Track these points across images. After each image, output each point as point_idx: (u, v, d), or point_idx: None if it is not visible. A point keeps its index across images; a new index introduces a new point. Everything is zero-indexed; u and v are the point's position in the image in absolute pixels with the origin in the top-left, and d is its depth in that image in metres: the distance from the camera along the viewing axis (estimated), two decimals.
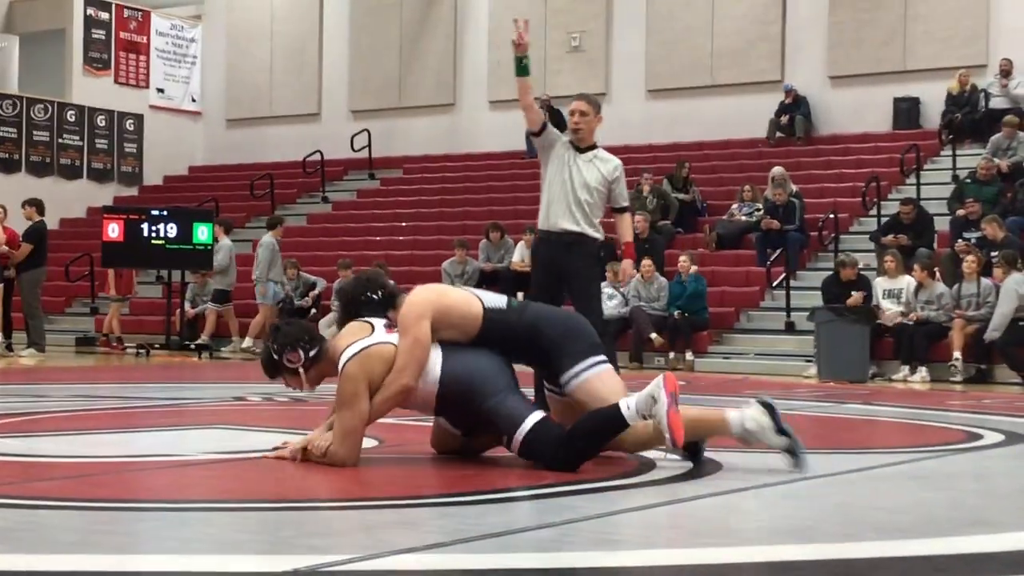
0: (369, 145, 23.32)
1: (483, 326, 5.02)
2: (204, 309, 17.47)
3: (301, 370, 4.98)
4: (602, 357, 5.12)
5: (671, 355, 14.71)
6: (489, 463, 5.13)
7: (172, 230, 16.34)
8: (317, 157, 22.81)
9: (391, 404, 4.94)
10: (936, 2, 19.37)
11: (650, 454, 5.21)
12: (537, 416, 4.88)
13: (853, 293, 13.73)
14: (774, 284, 15.74)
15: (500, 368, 4.99)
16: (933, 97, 19.08)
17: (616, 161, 7.45)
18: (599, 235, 7.35)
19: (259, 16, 25.38)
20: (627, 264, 7.82)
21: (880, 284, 13.97)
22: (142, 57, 25.08)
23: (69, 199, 23.13)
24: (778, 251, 15.87)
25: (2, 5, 24.87)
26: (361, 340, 4.91)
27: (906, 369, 13.27)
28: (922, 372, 13.13)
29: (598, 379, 5.04)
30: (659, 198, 17.56)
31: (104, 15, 24.50)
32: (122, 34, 24.73)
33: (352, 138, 23.27)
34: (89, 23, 24.26)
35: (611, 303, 15.10)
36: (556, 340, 5.06)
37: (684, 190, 18.09)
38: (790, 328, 14.94)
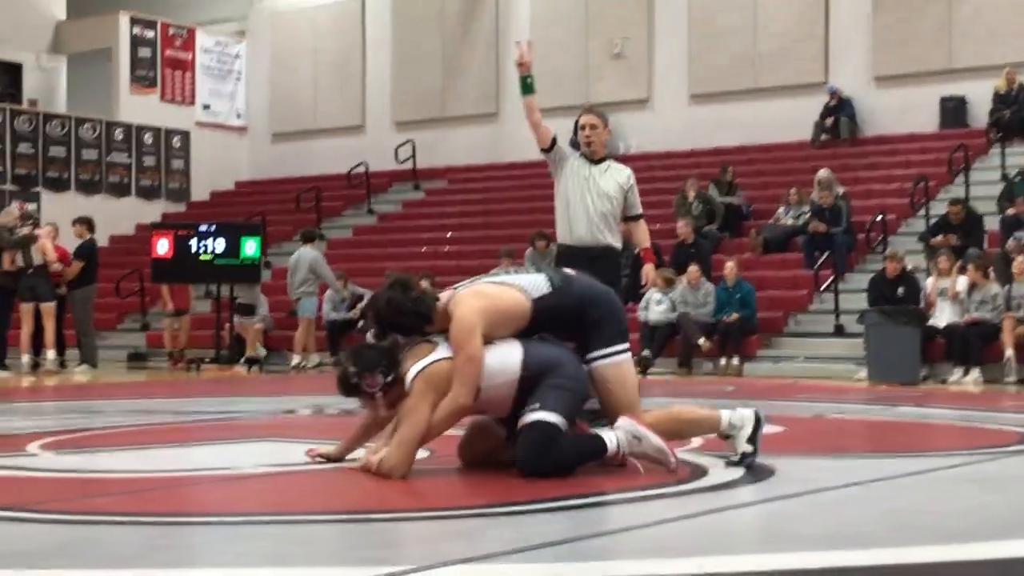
0: (413, 156, 23.40)
1: (532, 318, 5.11)
2: (252, 323, 17.56)
3: (379, 394, 5.02)
4: (627, 345, 5.26)
5: (721, 361, 14.64)
6: None
7: (220, 245, 16.46)
8: (362, 169, 22.92)
9: (449, 423, 5.00)
10: (980, 0, 19.19)
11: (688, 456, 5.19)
12: (560, 419, 4.88)
13: (900, 290, 13.62)
14: (822, 287, 15.63)
15: (577, 361, 5.11)
16: (980, 96, 18.89)
17: (628, 170, 7.57)
18: (620, 244, 7.49)
19: (302, 31, 25.55)
20: (649, 269, 7.92)
21: (932, 284, 13.84)
22: (188, 74, 25.32)
23: (118, 216, 23.36)
24: (826, 254, 15.76)
25: (49, 26, 25.20)
26: (425, 358, 4.95)
27: (959, 371, 13.13)
28: (974, 374, 12.99)
29: (621, 368, 5.19)
30: (704, 203, 17.50)
31: (150, 33, 24.76)
32: (168, 52, 24.98)
33: (396, 149, 23.36)
34: (135, 42, 24.53)
35: (658, 308, 15.07)
36: (597, 320, 5.18)
37: (729, 194, 18.02)
38: (839, 331, 14.83)
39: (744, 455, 5.15)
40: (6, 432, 7.42)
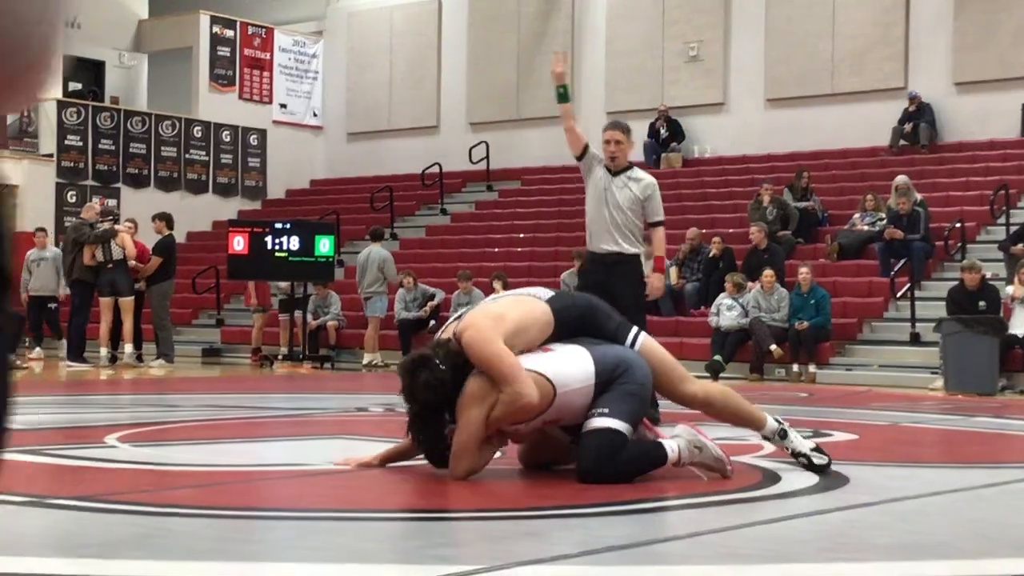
0: (487, 157, 23.46)
1: (556, 320, 5.07)
2: (325, 321, 17.72)
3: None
4: (639, 329, 5.26)
5: (794, 367, 14.51)
6: None
7: (295, 243, 16.62)
8: (436, 170, 23.02)
9: (510, 417, 4.82)
10: None
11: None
12: (627, 427, 4.83)
13: (980, 303, 13.40)
14: (898, 295, 15.43)
15: (641, 361, 5.05)
16: None
17: (648, 179, 7.91)
18: (639, 250, 7.82)
19: (379, 31, 25.72)
20: (654, 278, 8.04)
21: (1011, 293, 13.61)
22: (265, 73, 25.59)
23: (196, 213, 23.67)
24: (902, 261, 15.56)
25: (131, 25, 25.61)
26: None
27: None
28: None
29: (651, 342, 5.22)
30: (779, 208, 17.35)
31: (229, 32, 25.07)
32: (246, 51, 25.27)
33: (470, 150, 23.44)
34: (215, 41, 24.84)
35: (730, 314, 14.97)
36: (601, 322, 5.18)
37: (804, 199, 17.85)
38: (915, 339, 14.63)
39: (810, 459, 5.10)
40: (85, 424, 7.54)
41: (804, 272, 14.87)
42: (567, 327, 5.10)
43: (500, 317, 4.94)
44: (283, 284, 17.35)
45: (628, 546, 3.64)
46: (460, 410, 4.84)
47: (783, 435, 5.16)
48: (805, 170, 18.36)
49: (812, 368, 14.42)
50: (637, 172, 7.93)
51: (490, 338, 4.80)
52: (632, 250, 7.75)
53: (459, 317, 5.13)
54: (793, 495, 4.70)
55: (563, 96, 8.05)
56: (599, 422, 4.81)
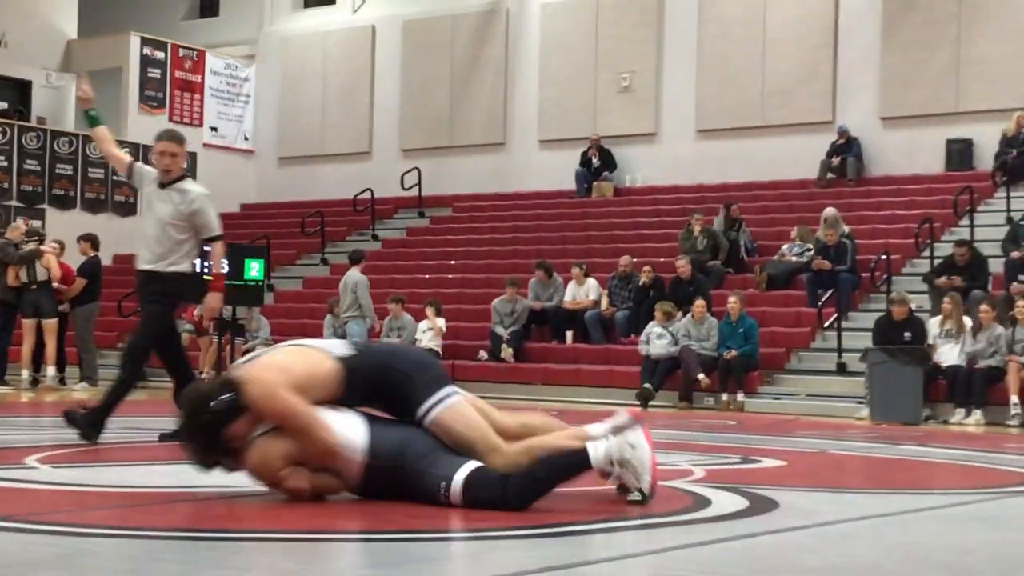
0: (419, 184, 23.43)
1: (347, 380, 4.85)
2: (254, 344, 17.52)
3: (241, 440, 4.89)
4: (451, 388, 4.95)
5: (723, 396, 14.58)
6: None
7: (223, 266, 16.39)
8: (368, 195, 22.93)
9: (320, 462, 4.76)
10: (989, 44, 19.25)
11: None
12: (472, 463, 4.71)
13: (906, 334, 13.58)
14: (825, 325, 15.59)
15: (423, 433, 4.84)
16: (986, 138, 18.93)
17: (197, 192, 7.70)
18: (182, 268, 7.63)
19: (312, 56, 25.63)
20: (210, 298, 7.93)
21: (935, 325, 13.80)
22: (196, 96, 25.38)
23: (122, 235, 23.33)
24: (829, 292, 15.73)
25: (60, 44, 25.28)
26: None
27: (961, 412, 13.08)
28: (976, 415, 12.95)
29: (455, 409, 4.85)
30: (709, 238, 17.49)
31: (160, 54, 24.84)
32: (177, 73, 25.05)
33: (403, 176, 23.39)
34: (145, 62, 24.60)
35: (660, 342, 15.04)
36: (407, 374, 4.91)
37: (734, 230, 18.00)
38: (841, 369, 14.78)
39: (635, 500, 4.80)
40: (5, 445, 7.39)
41: (733, 301, 14.98)
42: (365, 384, 4.87)
43: (284, 370, 4.76)
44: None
45: (559, 567, 3.61)
46: (272, 404, 4.70)
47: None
48: (735, 201, 18.53)
49: (740, 397, 14.51)
50: (187, 184, 7.66)
51: (275, 393, 4.67)
52: (173, 268, 7.50)
53: (253, 359, 4.94)
54: (723, 519, 4.70)
55: (95, 120, 7.74)
56: (456, 480, 4.62)
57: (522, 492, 4.64)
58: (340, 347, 5.00)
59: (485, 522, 4.43)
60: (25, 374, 15.57)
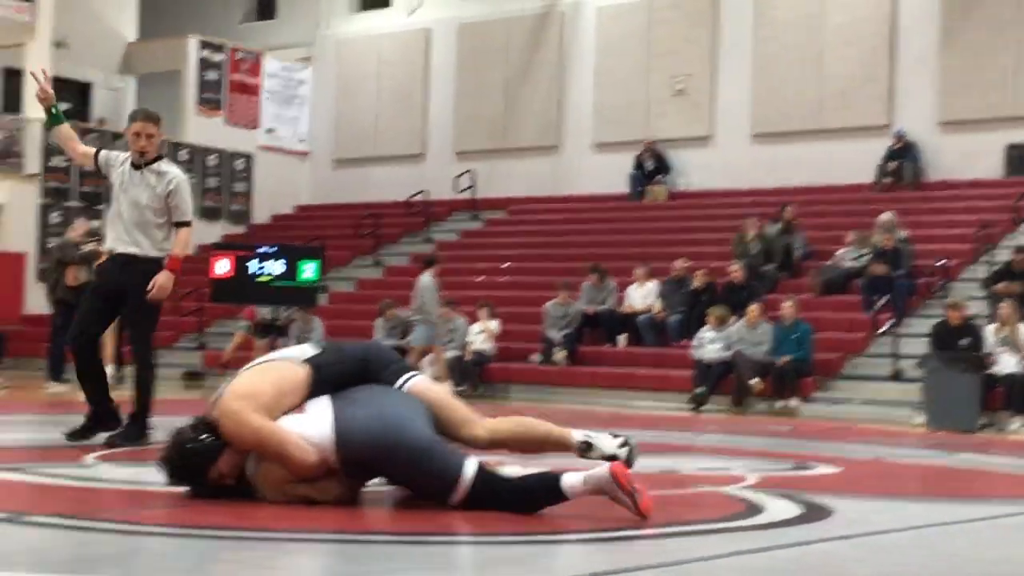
0: (473, 186, 23.48)
1: (318, 380, 4.90)
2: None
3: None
4: (414, 372, 5.11)
5: (776, 403, 14.49)
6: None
7: (279, 267, 16.57)
8: (421, 197, 23.01)
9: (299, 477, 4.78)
10: None
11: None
12: (474, 461, 4.68)
13: (963, 341, 13.42)
14: (880, 331, 15.45)
15: (409, 406, 4.83)
16: None
17: (174, 174, 7.48)
18: (161, 253, 7.43)
19: (368, 58, 25.78)
20: (161, 276, 7.40)
21: (992, 332, 13.65)
22: (253, 98, 25.61)
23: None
24: (885, 297, 15.59)
25: (120, 47, 25.60)
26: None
27: (1018, 421, 12.92)
28: None
29: (424, 382, 5.06)
30: (763, 242, 17.39)
31: (218, 57, 25.08)
32: (234, 75, 25.28)
33: (456, 179, 23.46)
34: (203, 64, 24.85)
35: (712, 347, 14.97)
36: (378, 369, 5.03)
37: (788, 234, 17.89)
38: (897, 375, 14.64)
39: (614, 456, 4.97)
40: (63, 443, 7.50)
41: (787, 306, 14.89)
42: (338, 381, 4.93)
43: (251, 395, 4.80)
44: (264, 310, 17.25)
45: (614, 572, 3.62)
46: (240, 425, 4.75)
47: (588, 447, 5.04)
48: (790, 205, 18.40)
49: (794, 402, 14.42)
50: (164, 166, 7.45)
51: (242, 422, 4.72)
52: (152, 253, 7.34)
53: (220, 395, 4.95)
54: (775, 526, 4.68)
55: (56, 118, 7.42)
56: (462, 483, 4.62)
57: (521, 499, 4.63)
58: (306, 350, 5.12)
59: (528, 527, 4.44)
60: (110, 369, 15.70)
